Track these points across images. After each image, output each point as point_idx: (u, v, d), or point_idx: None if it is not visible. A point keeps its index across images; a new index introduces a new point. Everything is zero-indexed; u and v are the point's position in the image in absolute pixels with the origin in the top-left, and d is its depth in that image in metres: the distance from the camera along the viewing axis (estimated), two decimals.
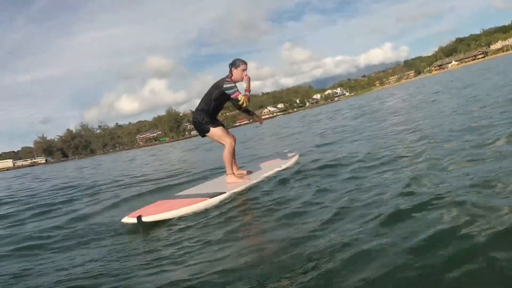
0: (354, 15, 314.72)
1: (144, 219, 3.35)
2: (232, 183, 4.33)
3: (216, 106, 4.49)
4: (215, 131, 4.47)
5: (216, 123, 4.53)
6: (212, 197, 3.75)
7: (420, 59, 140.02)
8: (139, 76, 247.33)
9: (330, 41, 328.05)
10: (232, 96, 4.34)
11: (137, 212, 3.50)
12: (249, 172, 4.79)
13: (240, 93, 4.32)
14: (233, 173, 4.48)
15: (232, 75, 4.40)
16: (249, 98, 4.31)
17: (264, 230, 2.74)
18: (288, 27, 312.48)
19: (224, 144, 4.49)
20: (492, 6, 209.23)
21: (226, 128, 4.61)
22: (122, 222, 3.46)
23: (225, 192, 3.89)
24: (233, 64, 4.40)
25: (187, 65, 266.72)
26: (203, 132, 4.51)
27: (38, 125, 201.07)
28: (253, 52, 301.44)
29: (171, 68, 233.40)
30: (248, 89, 4.38)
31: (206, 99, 4.45)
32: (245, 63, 4.41)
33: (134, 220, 3.35)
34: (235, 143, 4.62)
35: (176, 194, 4.37)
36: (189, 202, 3.68)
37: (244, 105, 4.38)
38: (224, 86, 4.30)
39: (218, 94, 4.38)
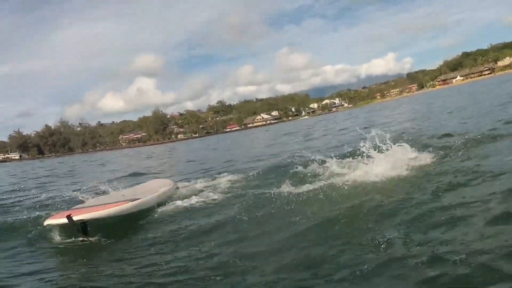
0: (356, 22, 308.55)
1: (75, 218, 3.61)
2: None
3: None
4: None
5: None
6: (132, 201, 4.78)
7: (424, 72, 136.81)
8: (126, 74, 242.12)
9: (331, 48, 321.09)
10: None
11: (64, 213, 3.75)
12: None
13: None
14: None
15: None
16: None
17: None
18: (287, 31, 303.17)
19: None
20: (500, 21, 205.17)
21: None
22: (46, 225, 3.82)
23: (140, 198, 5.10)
24: None
25: (177, 65, 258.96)
26: None
27: (14, 118, 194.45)
28: (248, 56, 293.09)
29: (161, 67, 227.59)
30: None
31: None
32: None
33: (63, 221, 3.60)
34: None
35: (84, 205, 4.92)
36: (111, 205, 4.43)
37: None
38: None
39: None
